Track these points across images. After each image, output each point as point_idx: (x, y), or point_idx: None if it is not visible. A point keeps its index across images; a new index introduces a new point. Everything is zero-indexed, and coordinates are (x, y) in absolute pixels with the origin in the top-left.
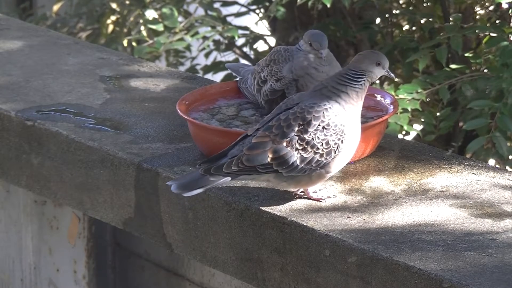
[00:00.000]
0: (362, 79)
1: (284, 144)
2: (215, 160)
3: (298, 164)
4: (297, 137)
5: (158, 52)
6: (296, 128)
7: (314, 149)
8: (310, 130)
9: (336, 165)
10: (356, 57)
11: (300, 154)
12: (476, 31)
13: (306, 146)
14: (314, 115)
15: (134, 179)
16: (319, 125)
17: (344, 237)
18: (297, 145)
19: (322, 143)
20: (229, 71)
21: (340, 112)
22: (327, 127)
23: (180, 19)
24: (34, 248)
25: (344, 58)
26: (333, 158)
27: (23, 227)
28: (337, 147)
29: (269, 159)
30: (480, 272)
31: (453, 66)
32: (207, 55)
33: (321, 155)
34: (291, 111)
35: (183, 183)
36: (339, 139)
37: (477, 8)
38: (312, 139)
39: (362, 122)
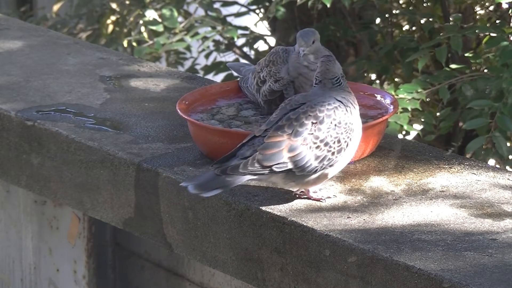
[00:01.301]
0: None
1: (299, 142)
2: (225, 161)
3: (312, 162)
4: (311, 135)
5: (157, 53)
6: (310, 127)
7: (327, 147)
8: (324, 128)
9: (342, 163)
10: (331, 65)
11: (315, 152)
12: (476, 31)
13: (320, 144)
14: (326, 113)
15: (134, 179)
16: (331, 122)
17: (344, 237)
18: (311, 143)
19: (335, 141)
20: (229, 72)
21: (347, 110)
22: (338, 125)
23: (180, 19)
24: (34, 248)
25: (344, 58)
26: (341, 156)
27: (23, 227)
28: (347, 145)
29: (285, 158)
30: (480, 272)
31: (453, 66)
32: (207, 56)
33: (333, 153)
34: (301, 110)
35: (199, 184)
36: (348, 137)
37: (477, 8)
38: (326, 137)
39: (362, 122)
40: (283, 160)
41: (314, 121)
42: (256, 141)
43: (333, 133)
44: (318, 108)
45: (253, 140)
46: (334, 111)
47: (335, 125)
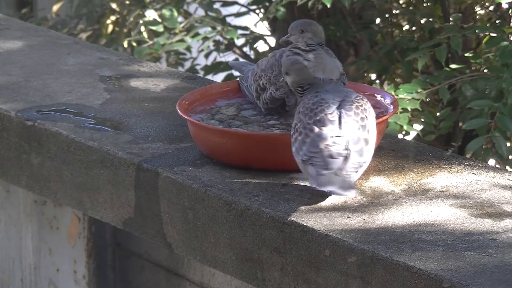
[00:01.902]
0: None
1: (369, 135)
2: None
3: (367, 153)
4: (364, 128)
5: (158, 53)
6: (366, 120)
7: (372, 137)
8: (371, 119)
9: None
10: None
11: (370, 143)
12: (476, 31)
13: (368, 137)
14: (368, 106)
15: (134, 179)
16: (370, 114)
17: (344, 237)
18: (365, 136)
19: (374, 131)
20: (229, 72)
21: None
22: (371, 115)
23: (180, 19)
24: (34, 248)
25: (344, 58)
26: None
27: (23, 227)
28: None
29: (366, 152)
30: (480, 272)
31: (453, 66)
32: (207, 56)
33: (374, 144)
34: (352, 106)
35: (338, 187)
36: (374, 127)
37: (477, 8)
38: (372, 129)
39: None
40: (367, 154)
41: (363, 116)
42: (338, 140)
43: (373, 124)
44: (359, 101)
45: (334, 139)
46: (366, 103)
47: (373, 116)
